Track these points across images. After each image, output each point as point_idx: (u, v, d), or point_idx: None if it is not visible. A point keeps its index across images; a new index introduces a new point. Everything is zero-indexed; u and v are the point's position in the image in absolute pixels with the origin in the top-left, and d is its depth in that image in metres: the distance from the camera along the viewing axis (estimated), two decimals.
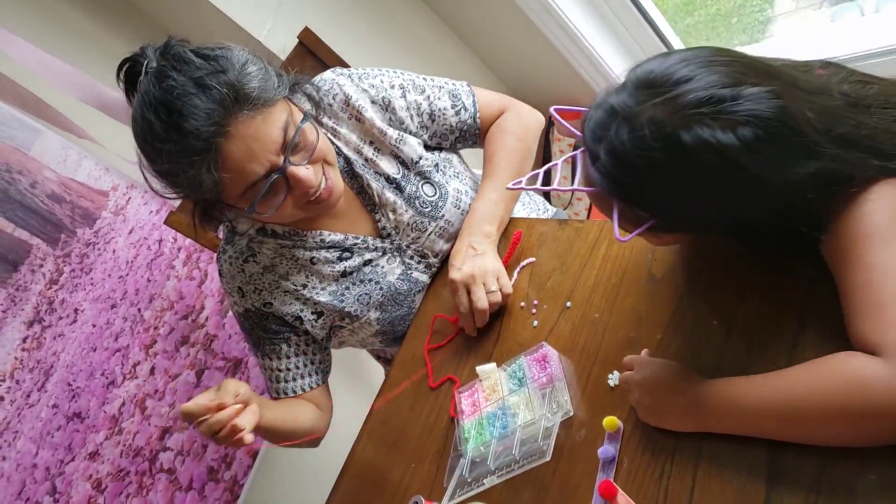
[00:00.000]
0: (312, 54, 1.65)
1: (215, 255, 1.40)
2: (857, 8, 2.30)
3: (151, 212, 1.80)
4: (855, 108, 0.78)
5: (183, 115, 1.02)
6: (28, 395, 1.50)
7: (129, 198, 1.76)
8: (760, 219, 0.77)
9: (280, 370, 1.34)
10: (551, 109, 0.91)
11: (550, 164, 0.96)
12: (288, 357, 1.34)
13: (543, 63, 2.32)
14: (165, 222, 1.57)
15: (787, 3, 2.62)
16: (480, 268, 1.20)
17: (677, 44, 2.31)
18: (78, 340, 1.61)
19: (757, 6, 2.70)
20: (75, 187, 1.66)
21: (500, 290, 1.19)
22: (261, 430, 1.15)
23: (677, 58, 0.77)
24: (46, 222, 1.58)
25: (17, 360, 1.50)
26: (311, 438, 1.31)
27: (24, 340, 1.52)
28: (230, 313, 1.90)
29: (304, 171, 1.13)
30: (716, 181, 0.74)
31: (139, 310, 1.73)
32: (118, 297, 1.70)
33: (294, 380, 1.35)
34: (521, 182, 0.94)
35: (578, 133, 0.85)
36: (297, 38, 1.64)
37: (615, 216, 0.80)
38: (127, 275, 1.73)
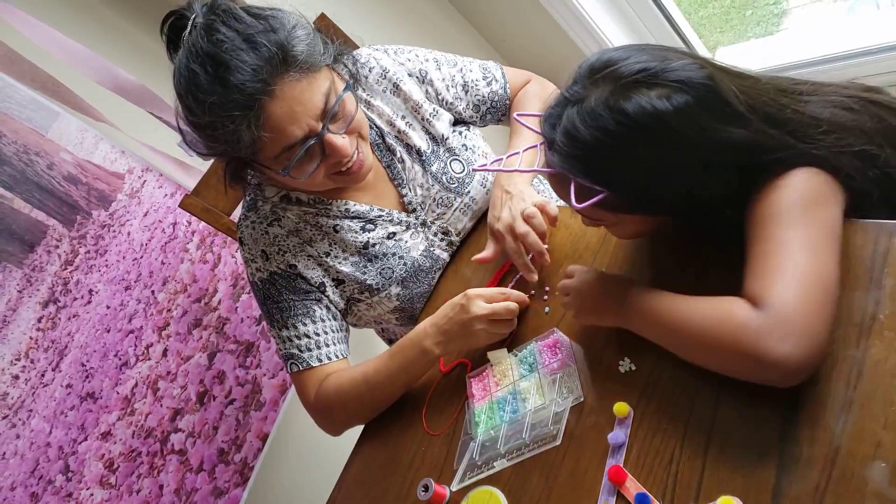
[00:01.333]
0: None
1: (230, 236, 1.41)
2: (872, 1, 2.28)
3: (166, 195, 1.81)
4: (783, 93, 0.88)
5: (230, 68, 1.02)
6: (42, 375, 1.52)
7: (145, 181, 1.78)
8: (700, 193, 0.84)
9: (318, 333, 1.29)
10: (514, 115, 1.03)
11: (512, 152, 1.05)
12: (323, 320, 1.30)
13: (558, 55, 2.32)
14: (180, 205, 1.58)
15: None
16: (518, 208, 1.19)
17: (692, 36, 2.30)
18: (92, 321, 1.62)
19: None
20: (91, 169, 1.67)
21: (548, 213, 1.17)
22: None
23: (613, 48, 0.89)
24: (62, 203, 1.60)
25: (33, 339, 1.52)
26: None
27: (40, 320, 1.53)
28: (242, 297, 1.92)
29: (340, 140, 1.14)
30: (656, 147, 0.82)
31: (153, 292, 1.75)
32: (132, 279, 1.72)
33: (334, 343, 1.30)
34: (486, 165, 1.05)
35: (538, 130, 0.94)
36: (314, 24, 1.64)
37: (572, 189, 0.87)
38: (141, 257, 1.74)
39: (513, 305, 1.11)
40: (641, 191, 0.86)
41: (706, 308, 0.81)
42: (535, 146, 0.95)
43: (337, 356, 1.30)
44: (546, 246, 1.16)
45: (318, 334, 1.29)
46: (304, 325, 1.28)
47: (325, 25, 1.65)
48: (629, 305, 0.90)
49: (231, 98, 1.03)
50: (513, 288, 1.20)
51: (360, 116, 1.19)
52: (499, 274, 1.27)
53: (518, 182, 1.24)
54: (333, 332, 1.31)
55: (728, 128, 0.81)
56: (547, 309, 1.13)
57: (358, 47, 1.42)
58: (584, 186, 0.86)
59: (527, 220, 1.16)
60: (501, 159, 1.06)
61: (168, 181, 1.83)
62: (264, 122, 1.06)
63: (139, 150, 1.78)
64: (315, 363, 1.28)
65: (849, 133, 0.85)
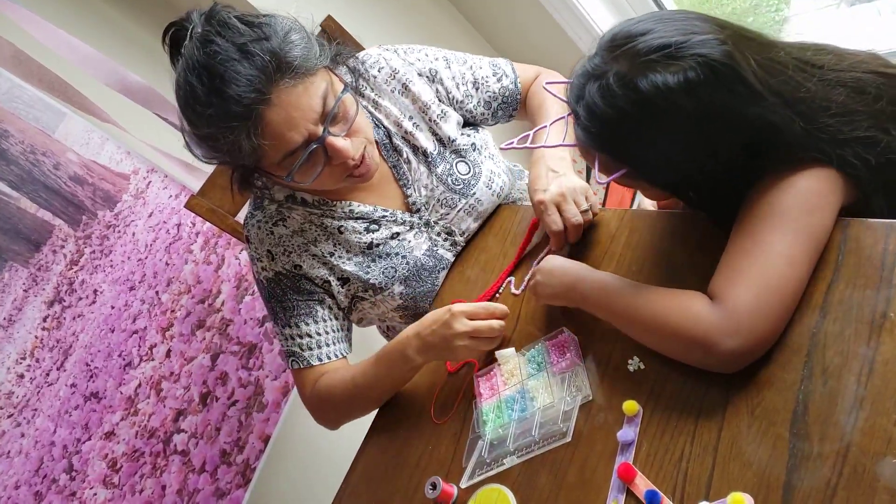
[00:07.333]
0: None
1: (235, 238, 1.41)
2: (874, 9, 2.30)
3: (171, 196, 1.82)
4: (802, 67, 0.87)
5: (225, 80, 1.02)
6: (47, 374, 1.52)
7: (150, 182, 1.78)
8: (713, 173, 0.86)
9: (319, 333, 1.31)
10: (543, 83, 1.03)
11: (540, 126, 1.07)
12: (325, 320, 1.32)
13: (565, 60, 2.34)
14: (186, 206, 1.58)
15: (803, 3, 2.62)
16: (568, 186, 1.18)
17: None
18: (97, 321, 1.63)
19: (773, 5, 2.70)
20: (97, 170, 1.68)
21: (591, 208, 1.18)
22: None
23: (636, 18, 0.88)
24: (68, 204, 1.60)
25: (38, 339, 1.52)
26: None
27: (45, 320, 1.54)
28: (245, 299, 1.92)
29: (341, 142, 1.14)
30: (671, 124, 0.83)
31: (157, 293, 1.75)
32: (136, 279, 1.72)
33: (334, 343, 1.32)
34: (512, 143, 1.05)
35: (566, 99, 0.95)
36: (320, 26, 1.65)
37: (596, 163, 0.91)
38: (146, 258, 1.75)
39: (496, 324, 1.12)
40: (658, 168, 0.88)
41: (665, 298, 0.88)
42: (563, 117, 0.96)
43: (336, 356, 1.32)
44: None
45: (318, 334, 1.31)
46: (307, 324, 1.30)
47: (331, 27, 1.66)
48: (583, 288, 0.99)
49: (228, 109, 1.03)
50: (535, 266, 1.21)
51: (362, 118, 1.19)
52: (505, 274, 1.27)
53: (564, 163, 1.24)
54: (334, 331, 1.33)
55: (742, 106, 0.82)
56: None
57: (363, 49, 1.42)
58: (607, 159, 0.89)
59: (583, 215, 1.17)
60: (529, 135, 1.07)
61: (173, 182, 1.83)
62: (263, 131, 1.06)
63: (145, 150, 1.79)
64: (315, 362, 1.30)
65: (857, 116, 0.85)
